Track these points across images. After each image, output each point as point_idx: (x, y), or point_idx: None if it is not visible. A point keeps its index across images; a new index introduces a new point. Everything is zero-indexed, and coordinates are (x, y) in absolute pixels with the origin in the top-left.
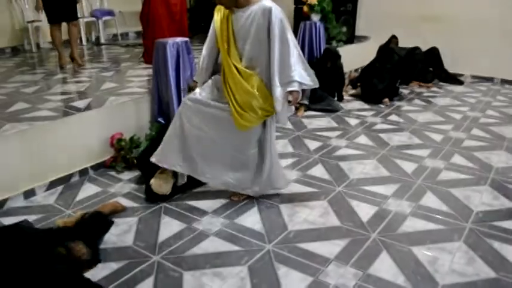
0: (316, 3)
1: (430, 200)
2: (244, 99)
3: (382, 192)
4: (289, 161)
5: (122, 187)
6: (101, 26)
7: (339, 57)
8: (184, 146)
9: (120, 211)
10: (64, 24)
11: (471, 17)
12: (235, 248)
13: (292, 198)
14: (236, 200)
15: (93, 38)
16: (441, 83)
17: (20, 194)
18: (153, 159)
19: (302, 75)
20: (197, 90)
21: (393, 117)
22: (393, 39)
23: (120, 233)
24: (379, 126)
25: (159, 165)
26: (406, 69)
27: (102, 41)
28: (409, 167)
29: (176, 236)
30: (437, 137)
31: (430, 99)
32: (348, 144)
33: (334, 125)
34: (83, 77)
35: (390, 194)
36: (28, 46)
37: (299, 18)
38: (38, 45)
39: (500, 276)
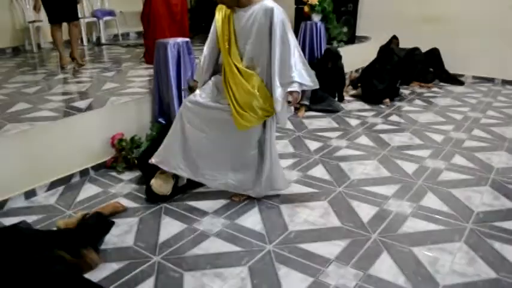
0: (317, 3)
1: (430, 200)
2: (244, 99)
3: (383, 192)
4: (290, 161)
5: (123, 187)
6: (101, 26)
7: (340, 57)
8: (185, 147)
9: (120, 211)
10: (65, 25)
11: (472, 17)
12: (236, 248)
13: (293, 199)
14: (237, 200)
15: (94, 38)
16: (442, 84)
17: (21, 194)
18: (153, 160)
19: (302, 76)
20: (197, 91)
21: (394, 118)
22: (394, 39)
23: (121, 234)
24: (379, 127)
25: (160, 167)
26: (406, 70)
27: (103, 41)
28: (409, 167)
29: (177, 237)
30: (438, 138)
31: (430, 99)
32: (349, 144)
33: (335, 125)
34: (83, 77)
35: (391, 194)
36: (29, 46)
37: (300, 18)
38: (38, 46)
39: (500, 277)
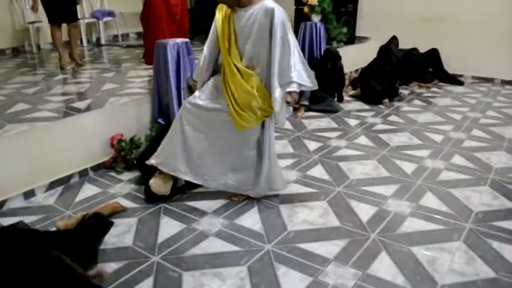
0: (317, 3)
1: (429, 200)
2: (243, 99)
3: (382, 192)
4: (289, 161)
5: (122, 188)
6: (101, 27)
7: (339, 58)
8: (185, 148)
9: (120, 212)
10: (64, 25)
11: (472, 17)
12: (235, 248)
13: (292, 199)
14: (236, 200)
15: (94, 39)
16: (441, 84)
17: (20, 194)
18: (152, 161)
19: (301, 77)
20: (196, 93)
21: (393, 118)
22: (394, 40)
23: (120, 234)
24: (379, 127)
25: (160, 168)
26: (404, 70)
27: (103, 42)
28: (409, 167)
29: (176, 237)
30: (437, 138)
31: (430, 99)
32: (348, 144)
33: (334, 125)
34: (83, 78)
35: (390, 194)
36: (29, 47)
37: (299, 18)
38: (38, 46)
39: (499, 276)
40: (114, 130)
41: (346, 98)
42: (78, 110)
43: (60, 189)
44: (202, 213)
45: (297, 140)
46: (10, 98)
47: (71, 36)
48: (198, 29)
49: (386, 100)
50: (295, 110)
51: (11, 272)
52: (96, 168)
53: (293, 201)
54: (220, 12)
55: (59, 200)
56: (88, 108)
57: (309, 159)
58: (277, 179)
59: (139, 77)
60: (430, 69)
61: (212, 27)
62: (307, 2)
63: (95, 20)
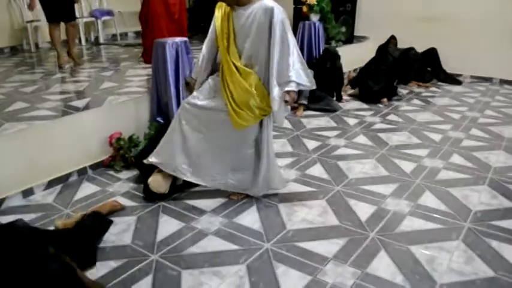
0: (316, 3)
1: (428, 199)
2: (241, 97)
3: (381, 191)
4: (288, 160)
5: (121, 186)
6: (100, 26)
7: (338, 57)
8: (184, 148)
9: (118, 210)
10: (62, 25)
11: (470, 17)
12: (234, 246)
13: (291, 198)
14: (235, 199)
15: (92, 38)
16: (440, 83)
17: (19, 193)
18: (152, 160)
19: (300, 76)
20: (195, 93)
21: (392, 117)
22: (392, 39)
23: (119, 232)
24: (377, 126)
25: (161, 168)
26: (401, 70)
27: (101, 41)
28: (407, 166)
29: (175, 235)
30: (436, 137)
31: (428, 99)
32: (347, 143)
33: (333, 124)
34: (81, 77)
35: (389, 193)
36: (27, 46)
37: (298, 18)
38: (36, 45)
39: (498, 275)
40: (113, 129)
41: (345, 97)
42: (77, 109)
43: (58, 187)
44: (201, 211)
45: (296, 139)
46: (8, 96)
47: (69, 35)
48: (197, 28)
49: (385, 99)
50: (294, 109)
51: (10, 269)
52: (94, 166)
53: (292, 200)
54: (220, 11)
55: (58, 199)
56: (87, 107)
57: (308, 158)
58: (276, 178)
59: (138, 75)
60: (429, 69)
61: (211, 26)
62: (306, 1)
63: (93, 19)
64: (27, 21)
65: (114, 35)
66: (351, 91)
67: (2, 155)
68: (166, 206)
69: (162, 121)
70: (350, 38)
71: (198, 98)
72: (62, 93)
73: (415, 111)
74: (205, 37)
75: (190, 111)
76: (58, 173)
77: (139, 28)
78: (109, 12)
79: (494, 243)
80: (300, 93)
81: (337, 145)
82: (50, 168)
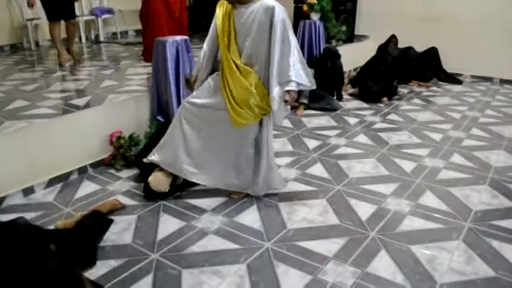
0: (316, 2)
1: (429, 199)
2: (241, 96)
3: (381, 191)
4: (289, 159)
5: (121, 185)
6: (100, 24)
7: (339, 56)
8: (185, 147)
9: (119, 209)
10: (62, 23)
11: (471, 16)
12: (234, 246)
13: (291, 197)
14: (235, 198)
15: (93, 36)
16: (440, 83)
17: (19, 191)
18: (153, 159)
19: (300, 76)
20: (195, 92)
21: (392, 117)
22: (393, 39)
23: (119, 231)
24: (378, 125)
25: (165, 168)
26: (401, 69)
27: (102, 39)
28: (408, 166)
29: (175, 234)
30: (437, 136)
31: (429, 98)
32: (347, 143)
33: (334, 123)
34: (82, 75)
35: (389, 193)
36: (27, 44)
37: (299, 17)
38: (37, 43)
39: (499, 275)
40: (113, 127)
41: (345, 96)
42: (77, 107)
43: (59, 186)
44: (202, 210)
45: (296, 138)
46: (9, 94)
47: (69, 33)
48: (197, 27)
49: (385, 99)
50: (295, 108)
51: (11, 267)
52: (95, 165)
53: (292, 199)
54: (221, 9)
55: (58, 197)
56: (87, 105)
57: (308, 157)
58: (276, 178)
59: (139, 74)
60: (429, 68)
61: (212, 24)
62: (307, 0)
63: (93, 17)
64: (27, 19)
65: (114, 33)
66: (351, 90)
67: (3, 153)
68: (166, 204)
69: (162, 120)
70: (350, 37)
71: (198, 97)
72: (62, 91)
73: (416, 111)
74: (206, 35)
75: (190, 110)
76: (59, 171)
77: (139, 26)
78: (109, 11)
79: (495, 243)
80: (300, 92)
81: (338, 144)
82: (51, 167)
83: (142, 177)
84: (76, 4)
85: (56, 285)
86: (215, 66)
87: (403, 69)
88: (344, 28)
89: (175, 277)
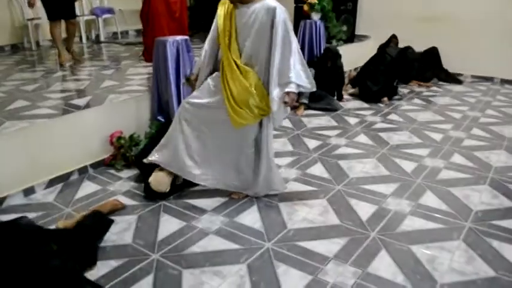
0: (317, 2)
1: (429, 199)
2: (241, 96)
3: (382, 191)
4: (289, 159)
5: (122, 185)
6: (101, 24)
7: (339, 56)
8: (185, 147)
9: (119, 209)
10: (62, 22)
11: (471, 16)
12: (235, 246)
13: (292, 197)
14: (236, 198)
15: (93, 36)
16: (440, 83)
17: (20, 191)
18: (151, 158)
19: (300, 77)
20: (195, 93)
21: (393, 117)
22: (393, 38)
23: (120, 231)
24: (378, 125)
25: (169, 169)
26: (400, 69)
27: (102, 39)
28: (408, 166)
29: (175, 234)
30: (437, 136)
31: (429, 98)
32: (348, 143)
33: (334, 123)
34: (82, 75)
35: (390, 193)
36: (28, 44)
37: (299, 17)
38: (37, 43)
39: (499, 275)
40: (114, 127)
41: (345, 96)
42: (78, 107)
43: (59, 186)
44: (202, 211)
45: (296, 138)
46: (9, 95)
47: (69, 34)
48: (198, 27)
49: (386, 99)
50: (295, 108)
51: (13, 266)
52: (95, 165)
53: (293, 200)
54: (223, 8)
55: (59, 197)
56: (87, 106)
57: (308, 157)
58: (276, 179)
59: (139, 74)
60: (430, 68)
61: (214, 23)
62: (307, 0)
63: (94, 17)
64: (28, 19)
65: (115, 33)
66: (351, 90)
67: (3, 153)
68: (167, 205)
69: (162, 120)
70: (351, 37)
71: (198, 97)
72: (62, 91)
73: (416, 111)
74: (206, 36)
75: (190, 110)
76: (59, 171)
77: (140, 26)
78: (110, 10)
79: (495, 243)
80: (300, 92)
81: (338, 144)
82: (51, 167)
83: (142, 178)
84: (76, 4)
85: (57, 284)
86: (216, 66)
87: (402, 69)
88: (344, 28)
89: (176, 277)
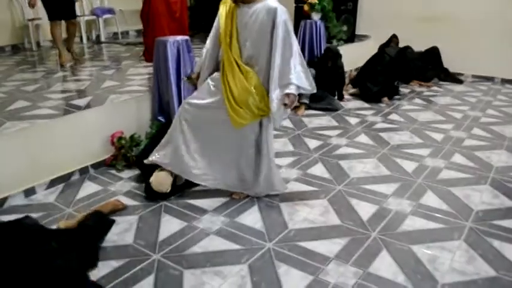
0: (317, 2)
1: (430, 199)
2: (241, 95)
3: (383, 191)
4: (290, 159)
5: (123, 185)
6: (101, 24)
7: (340, 56)
8: (185, 148)
9: (120, 209)
10: (63, 22)
11: (472, 16)
12: (236, 246)
13: (293, 197)
14: (237, 198)
15: (94, 36)
16: (441, 82)
17: (21, 192)
18: (152, 159)
19: (301, 79)
20: (195, 93)
21: (393, 116)
22: (394, 38)
23: (121, 232)
24: (379, 125)
25: (170, 170)
26: (399, 69)
27: (103, 39)
28: (409, 166)
29: (176, 235)
30: (438, 136)
31: (430, 98)
32: (348, 143)
33: (335, 123)
34: (83, 75)
35: (390, 193)
36: (28, 44)
37: (299, 17)
38: (38, 44)
39: (500, 275)
40: (115, 128)
41: (346, 96)
42: (78, 108)
43: (60, 186)
44: (203, 211)
45: (297, 138)
46: (10, 95)
47: (69, 34)
48: (198, 27)
49: (386, 98)
50: (296, 108)
51: (15, 265)
52: (96, 165)
53: (293, 200)
54: (224, 7)
55: (60, 198)
56: (88, 106)
57: (309, 157)
58: (276, 180)
59: (139, 74)
60: (430, 68)
61: (215, 22)
62: (307, 0)
63: (94, 17)
64: (29, 19)
65: (115, 34)
66: (352, 90)
67: (4, 154)
68: (168, 205)
69: (163, 120)
70: (351, 37)
71: (198, 97)
72: (63, 91)
73: (417, 111)
74: (207, 36)
75: (190, 111)
76: (60, 172)
77: (140, 26)
78: (110, 11)
79: (496, 243)
80: (299, 95)
81: (339, 144)
82: (52, 167)
83: (143, 178)
84: (77, 4)
85: (59, 283)
86: (217, 65)
87: (401, 68)
88: (345, 28)
89: (177, 277)
